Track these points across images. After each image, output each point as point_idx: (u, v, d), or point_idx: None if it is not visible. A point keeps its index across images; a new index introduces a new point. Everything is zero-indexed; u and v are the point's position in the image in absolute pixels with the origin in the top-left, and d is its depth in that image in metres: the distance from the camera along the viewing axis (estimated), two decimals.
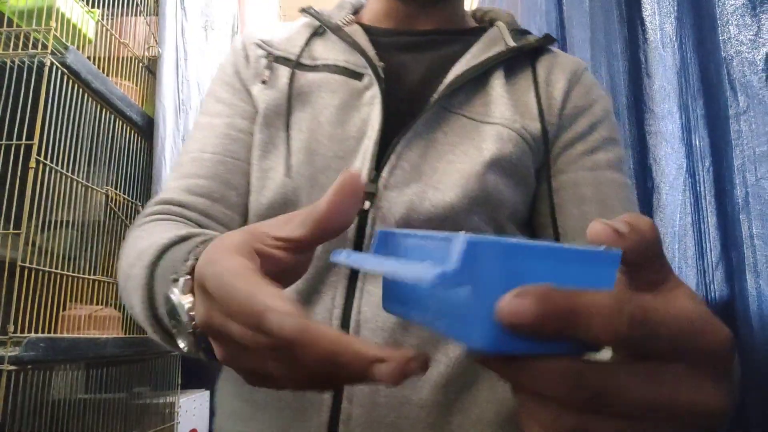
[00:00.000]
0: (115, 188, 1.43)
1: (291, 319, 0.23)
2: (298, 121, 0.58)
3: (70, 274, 1.24)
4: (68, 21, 1.26)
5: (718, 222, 1.23)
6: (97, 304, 1.31)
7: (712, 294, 1.22)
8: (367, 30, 0.64)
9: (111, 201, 1.41)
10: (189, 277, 0.33)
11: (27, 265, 1.09)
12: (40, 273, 1.13)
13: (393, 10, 0.65)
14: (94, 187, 1.35)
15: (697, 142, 1.27)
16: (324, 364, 0.23)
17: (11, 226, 1.10)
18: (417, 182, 0.54)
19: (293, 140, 0.57)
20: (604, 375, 0.21)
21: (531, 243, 0.23)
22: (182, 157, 0.62)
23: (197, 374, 1.67)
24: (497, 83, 0.60)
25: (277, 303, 0.24)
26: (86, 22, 1.34)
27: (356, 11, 0.69)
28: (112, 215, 1.41)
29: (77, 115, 1.26)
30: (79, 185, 1.28)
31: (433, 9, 0.65)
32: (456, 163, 0.55)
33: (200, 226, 0.56)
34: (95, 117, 1.35)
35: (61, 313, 1.21)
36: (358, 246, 0.53)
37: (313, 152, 0.56)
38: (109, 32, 1.48)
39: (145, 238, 0.50)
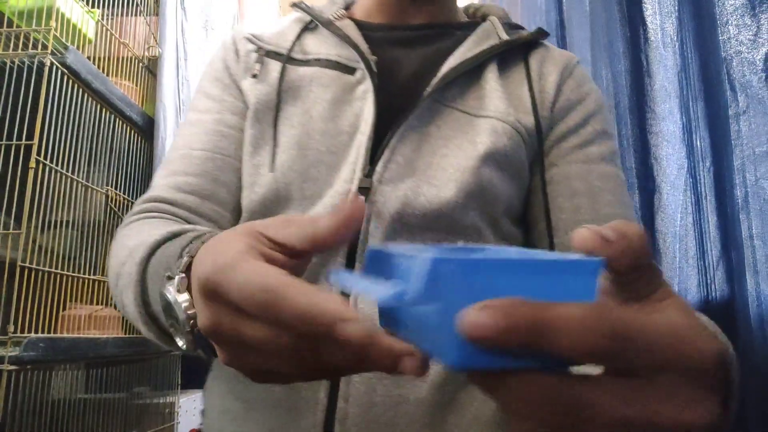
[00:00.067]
0: (115, 188, 1.43)
1: (360, 325, 0.23)
2: (289, 116, 0.58)
3: (70, 274, 1.24)
4: (68, 21, 1.26)
5: (718, 221, 1.23)
6: (97, 304, 1.31)
7: (713, 293, 1.22)
8: (359, 25, 0.63)
9: (111, 201, 1.41)
10: (184, 275, 0.33)
11: (27, 265, 1.09)
12: (40, 273, 1.13)
13: (385, 4, 0.65)
14: (94, 187, 1.35)
15: (698, 142, 1.27)
16: (355, 359, 0.24)
17: (11, 226, 1.10)
18: (411, 177, 0.54)
19: (284, 135, 0.57)
20: (580, 391, 0.21)
21: (501, 258, 0.22)
22: (171, 154, 0.62)
23: (197, 374, 1.67)
24: (491, 77, 0.60)
25: (344, 310, 0.23)
26: (86, 22, 1.34)
27: (348, 6, 0.68)
28: (112, 215, 1.41)
29: (77, 115, 1.26)
30: (79, 185, 1.28)
31: (426, 3, 0.65)
32: (450, 157, 0.55)
33: (189, 224, 0.56)
34: (95, 117, 1.35)
35: (61, 313, 1.21)
36: (351, 243, 0.52)
37: (305, 147, 0.56)
38: (109, 32, 1.48)
39: (134, 236, 0.50)
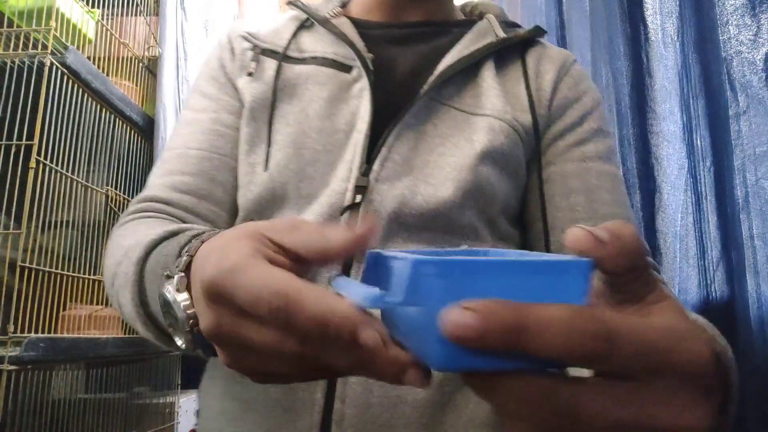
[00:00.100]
0: (115, 188, 1.43)
1: (376, 331, 0.23)
2: (285, 114, 0.57)
3: (70, 274, 1.24)
4: (68, 21, 1.26)
5: (718, 222, 1.23)
6: (97, 304, 1.31)
7: (713, 293, 1.22)
8: (356, 22, 0.63)
9: (111, 201, 1.41)
10: (183, 274, 0.33)
11: (27, 265, 1.09)
12: (40, 273, 1.13)
13: (382, 2, 0.65)
14: (94, 187, 1.35)
15: (699, 142, 1.27)
16: (358, 364, 0.24)
17: (11, 226, 1.10)
18: (408, 175, 0.54)
19: (280, 134, 0.56)
20: (573, 393, 0.20)
21: (484, 259, 0.22)
22: (167, 153, 0.61)
23: (197, 374, 1.67)
24: (487, 75, 0.59)
25: (363, 315, 0.23)
26: (86, 22, 1.34)
27: (344, 4, 0.68)
28: (112, 215, 1.41)
29: (77, 115, 1.26)
30: (79, 185, 1.28)
31: (422, 1, 0.64)
32: (447, 155, 0.55)
33: (186, 223, 0.55)
34: (95, 117, 1.35)
35: (61, 313, 1.21)
36: None
37: (301, 145, 0.55)
38: (109, 32, 1.48)
39: (130, 235, 0.50)
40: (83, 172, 1.30)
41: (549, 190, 0.59)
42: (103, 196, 1.39)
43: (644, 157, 1.34)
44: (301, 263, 0.29)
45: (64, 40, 1.23)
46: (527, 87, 0.60)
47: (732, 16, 1.22)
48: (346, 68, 0.59)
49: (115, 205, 1.42)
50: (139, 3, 1.59)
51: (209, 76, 0.64)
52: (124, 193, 1.45)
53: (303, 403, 0.49)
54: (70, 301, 1.24)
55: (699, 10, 1.29)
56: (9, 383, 0.99)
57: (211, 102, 0.62)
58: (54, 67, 1.18)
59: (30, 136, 1.13)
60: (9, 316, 1.06)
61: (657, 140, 1.33)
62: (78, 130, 1.26)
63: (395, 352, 0.23)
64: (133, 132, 1.52)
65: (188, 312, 0.32)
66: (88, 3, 1.37)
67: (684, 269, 1.25)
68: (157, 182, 0.59)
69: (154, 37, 1.62)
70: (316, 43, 0.62)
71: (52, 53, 1.19)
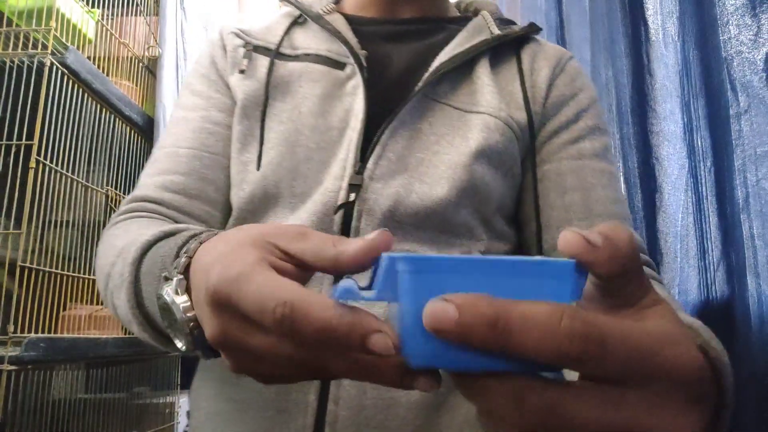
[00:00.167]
0: (115, 188, 1.43)
1: (386, 338, 0.23)
2: (278, 112, 0.57)
3: (70, 274, 1.24)
4: (68, 21, 1.26)
5: (719, 222, 1.23)
6: (97, 304, 1.31)
7: (713, 293, 1.21)
8: (349, 19, 0.62)
9: (111, 201, 1.41)
10: (182, 276, 0.33)
11: (27, 265, 1.09)
12: (40, 273, 1.13)
13: None
14: (94, 187, 1.35)
15: (699, 142, 1.27)
16: (364, 371, 0.24)
17: (11, 226, 1.10)
18: (403, 174, 0.53)
19: (273, 132, 0.56)
20: (557, 396, 0.20)
21: (463, 257, 0.22)
22: (157, 152, 0.60)
23: None
24: (482, 72, 0.59)
25: (374, 321, 0.23)
26: (86, 22, 1.34)
27: (337, 0, 0.67)
28: (112, 215, 1.41)
29: (77, 115, 1.26)
30: (79, 185, 1.28)
31: None
32: (442, 154, 0.54)
33: (177, 223, 0.55)
34: (95, 117, 1.35)
35: (61, 313, 1.21)
36: None
37: (294, 143, 0.54)
38: (109, 32, 1.48)
39: (122, 235, 0.49)
40: (83, 172, 1.30)
41: (544, 189, 0.58)
42: (103, 196, 1.39)
43: (645, 157, 1.33)
44: (306, 271, 0.29)
45: (64, 40, 1.23)
46: (522, 84, 0.59)
47: (732, 16, 1.22)
48: (340, 65, 0.58)
49: (115, 205, 1.42)
50: (139, 3, 1.58)
51: (200, 74, 0.63)
52: (124, 193, 1.45)
53: (296, 405, 0.48)
54: (70, 301, 1.24)
55: (699, 10, 1.29)
56: (9, 383, 0.99)
57: (202, 100, 0.61)
58: (54, 67, 1.18)
59: (30, 136, 1.13)
60: (9, 316, 1.06)
61: (657, 140, 1.32)
62: (78, 130, 1.26)
63: (401, 360, 0.23)
64: (133, 132, 1.52)
65: (188, 315, 0.32)
66: (88, 3, 1.37)
67: (684, 269, 1.25)
68: (148, 182, 0.58)
69: (154, 37, 1.62)
70: (309, 39, 0.61)
71: (52, 53, 1.19)
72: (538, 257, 0.22)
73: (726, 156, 1.20)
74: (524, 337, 0.19)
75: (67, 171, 1.23)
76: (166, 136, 0.61)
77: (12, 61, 1.17)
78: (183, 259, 0.33)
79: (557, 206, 0.57)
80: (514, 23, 0.66)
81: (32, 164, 1.12)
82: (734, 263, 1.17)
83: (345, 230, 0.51)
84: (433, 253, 0.53)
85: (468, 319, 0.20)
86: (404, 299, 0.21)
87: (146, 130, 1.56)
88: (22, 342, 1.02)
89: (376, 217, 0.51)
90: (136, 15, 1.58)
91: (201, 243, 0.34)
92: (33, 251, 1.11)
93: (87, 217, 1.32)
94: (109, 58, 1.48)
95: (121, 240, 0.47)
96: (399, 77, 0.58)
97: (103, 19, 1.44)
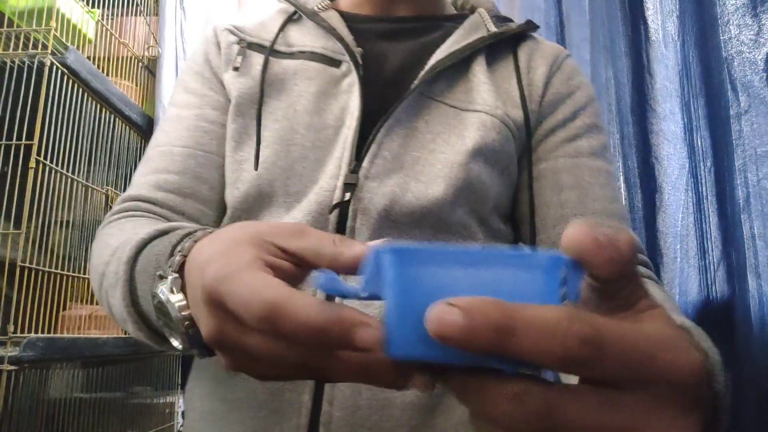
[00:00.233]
0: (115, 188, 1.43)
1: (374, 331, 0.22)
2: (273, 110, 0.56)
3: (70, 274, 1.24)
4: (68, 21, 1.26)
5: (719, 222, 1.23)
6: (97, 304, 1.31)
7: (714, 293, 1.21)
8: (345, 16, 0.61)
9: (111, 201, 1.41)
10: (177, 275, 0.32)
11: (27, 265, 1.09)
12: (40, 273, 1.13)
13: None
14: (94, 187, 1.35)
15: (699, 142, 1.27)
16: (356, 373, 0.24)
17: (11, 226, 1.10)
18: (398, 173, 0.52)
19: (268, 130, 0.55)
20: (550, 398, 0.20)
21: (448, 249, 0.21)
22: (151, 151, 0.60)
23: None
24: (479, 70, 0.58)
25: (359, 315, 0.23)
26: (86, 22, 1.34)
27: None
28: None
29: (77, 115, 1.26)
30: (79, 185, 1.28)
31: None
32: (438, 152, 0.54)
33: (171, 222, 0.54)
34: (95, 117, 1.35)
35: (61, 313, 1.21)
36: None
37: (289, 142, 0.54)
38: (109, 32, 1.48)
39: (117, 234, 0.49)
40: (83, 172, 1.30)
41: (540, 187, 0.58)
42: (103, 195, 1.39)
43: (645, 156, 1.33)
44: (303, 269, 0.28)
45: (64, 40, 1.23)
46: (519, 82, 0.59)
47: (733, 16, 1.22)
48: (335, 63, 0.57)
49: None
50: (138, 3, 1.59)
51: (194, 71, 0.62)
52: (123, 193, 1.45)
53: (290, 405, 0.48)
54: (70, 301, 1.24)
55: (700, 10, 1.29)
56: (9, 383, 0.99)
57: (195, 98, 0.60)
58: (54, 67, 1.18)
59: (30, 136, 1.13)
60: (9, 316, 1.06)
61: (658, 140, 1.32)
62: (78, 129, 1.26)
63: (390, 360, 0.22)
64: (132, 132, 1.52)
65: (183, 313, 0.32)
66: (88, 3, 1.37)
67: (685, 269, 1.25)
68: (142, 181, 0.57)
69: (154, 37, 1.62)
70: (304, 36, 0.61)
71: (52, 53, 1.19)
72: (527, 249, 0.22)
73: (726, 156, 1.20)
74: (529, 342, 0.19)
75: (67, 171, 1.23)
76: (160, 134, 0.60)
77: (12, 61, 1.17)
78: (178, 258, 0.33)
79: (553, 205, 0.57)
80: (511, 20, 0.65)
81: (32, 164, 1.12)
82: (734, 263, 1.17)
83: (340, 230, 0.51)
84: None
85: (475, 324, 0.19)
86: (389, 290, 0.21)
87: (146, 130, 1.56)
88: (21, 342, 1.02)
89: (371, 217, 0.51)
90: (136, 15, 1.58)
91: (196, 241, 0.33)
92: (33, 251, 1.11)
93: (87, 217, 1.32)
94: (109, 58, 1.48)
95: (116, 239, 0.47)
96: (395, 75, 0.58)
97: (103, 19, 1.44)
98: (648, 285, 0.52)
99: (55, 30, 1.20)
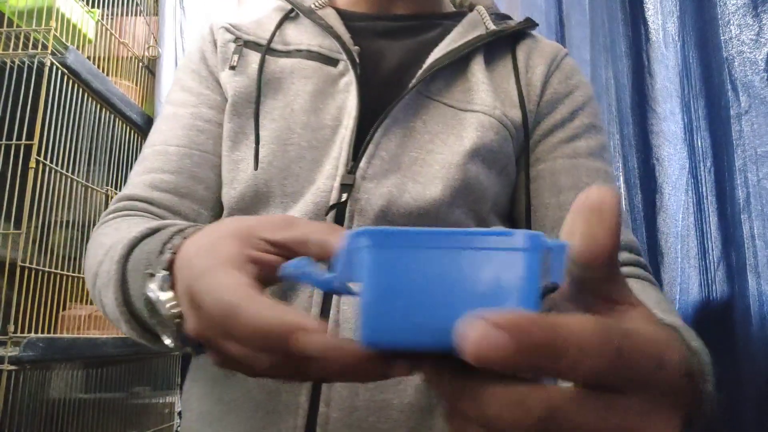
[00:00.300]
0: (115, 188, 1.43)
1: (318, 336, 0.22)
2: (270, 109, 0.55)
3: (70, 274, 1.24)
4: (68, 21, 1.26)
5: (719, 222, 1.22)
6: None
7: (714, 293, 1.21)
8: (342, 14, 0.61)
9: (111, 201, 1.40)
10: (167, 272, 0.32)
11: (27, 265, 1.09)
12: (40, 273, 1.13)
13: None
14: (94, 187, 1.35)
15: (699, 143, 1.27)
16: (327, 371, 0.23)
17: (11, 226, 1.10)
18: (396, 173, 0.52)
19: (264, 129, 0.55)
20: (552, 401, 0.19)
21: (424, 229, 0.20)
22: (147, 150, 0.59)
23: None
24: (477, 69, 0.58)
25: (302, 320, 0.22)
26: (86, 22, 1.34)
27: None
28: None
29: (77, 115, 1.26)
30: (79, 185, 1.28)
31: None
32: (436, 153, 0.53)
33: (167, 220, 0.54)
34: (95, 117, 1.35)
35: (61, 313, 1.21)
36: None
37: (286, 142, 0.53)
38: (109, 32, 1.48)
39: (111, 234, 0.48)
40: (83, 172, 1.30)
41: (538, 188, 0.57)
42: (103, 195, 1.39)
43: (645, 157, 1.33)
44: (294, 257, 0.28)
45: (64, 40, 1.23)
46: (517, 82, 0.58)
47: (733, 16, 1.22)
48: (332, 61, 0.57)
49: None
50: (138, 3, 1.59)
51: (191, 69, 0.62)
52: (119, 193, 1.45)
53: (286, 406, 0.48)
54: (70, 301, 1.24)
55: (700, 10, 1.28)
56: (9, 383, 0.99)
57: (191, 96, 0.60)
58: (54, 67, 1.18)
59: (30, 136, 1.13)
60: (9, 316, 1.06)
61: (658, 140, 1.32)
62: (78, 130, 1.26)
63: (352, 350, 0.21)
64: (132, 132, 1.52)
65: (173, 311, 0.31)
66: (88, 3, 1.37)
67: (685, 269, 1.25)
68: (137, 180, 0.57)
69: (154, 37, 1.62)
70: (301, 35, 0.60)
71: (52, 53, 1.19)
72: (507, 229, 0.21)
73: (726, 156, 1.20)
74: (573, 361, 0.18)
75: (67, 171, 1.23)
76: (156, 133, 0.60)
77: (12, 61, 1.17)
78: (167, 255, 0.33)
79: (552, 205, 0.56)
80: (510, 18, 0.65)
81: (32, 164, 1.12)
82: (735, 263, 1.17)
83: None
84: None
85: (521, 348, 0.18)
86: (365, 274, 0.20)
87: (146, 130, 1.55)
88: (21, 342, 1.02)
89: (368, 218, 0.50)
90: (135, 15, 1.58)
91: (185, 238, 0.33)
92: (33, 251, 1.11)
93: (87, 217, 1.32)
94: (109, 58, 1.48)
95: (110, 238, 0.47)
96: (392, 74, 0.57)
97: (103, 19, 1.44)
98: (637, 284, 0.52)
99: (55, 30, 1.20)
